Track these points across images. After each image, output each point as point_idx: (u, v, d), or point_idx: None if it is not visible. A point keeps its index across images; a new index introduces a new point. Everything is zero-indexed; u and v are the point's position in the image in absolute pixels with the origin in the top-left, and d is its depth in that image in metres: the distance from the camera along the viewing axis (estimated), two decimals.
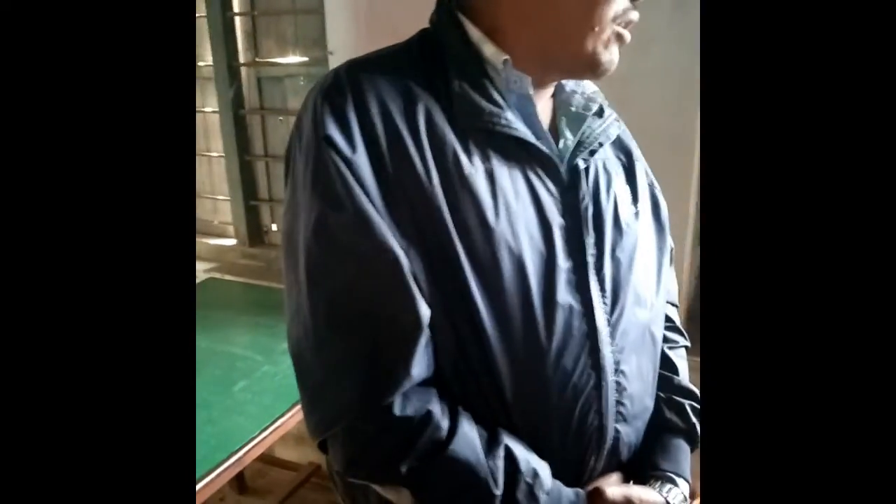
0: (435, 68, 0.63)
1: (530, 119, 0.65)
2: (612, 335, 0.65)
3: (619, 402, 0.65)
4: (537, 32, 0.63)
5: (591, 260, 0.64)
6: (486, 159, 0.61)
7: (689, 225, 1.49)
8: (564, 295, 0.62)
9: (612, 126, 0.71)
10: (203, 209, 2.41)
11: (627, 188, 0.72)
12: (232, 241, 2.33)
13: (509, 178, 0.61)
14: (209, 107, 2.26)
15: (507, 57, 0.63)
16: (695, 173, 1.45)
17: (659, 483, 0.69)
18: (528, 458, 0.61)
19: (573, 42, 0.62)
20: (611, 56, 0.63)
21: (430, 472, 0.58)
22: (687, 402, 0.75)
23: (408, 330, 0.57)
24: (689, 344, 0.84)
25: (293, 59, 2.11)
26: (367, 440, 0.59)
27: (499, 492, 0.58)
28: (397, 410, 0.57)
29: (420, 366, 0.58)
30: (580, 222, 0.64)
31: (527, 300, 0.60)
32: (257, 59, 2.16)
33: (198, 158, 2.34)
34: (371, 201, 0.57)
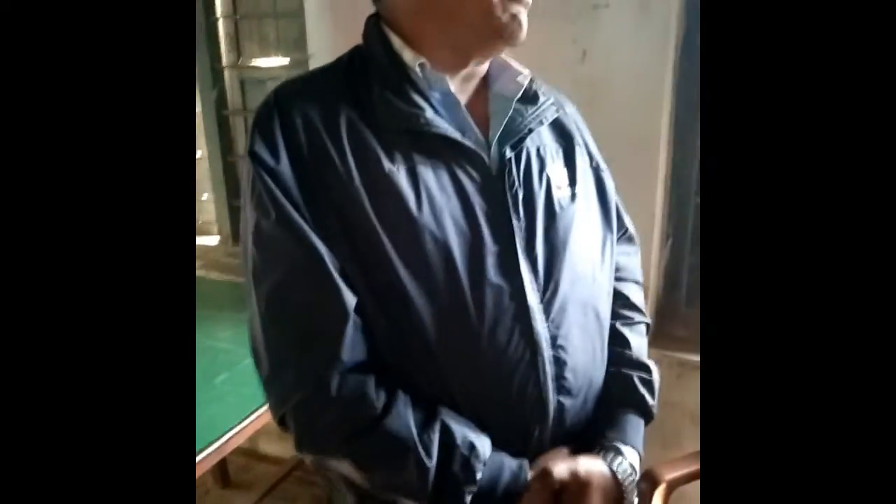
0: (361, 80, 0.70)
1: (456, 114, 0.70)
2: (547, 311, 0.70)
3: (559, 376, 0.70)
4: (436, 22, 0.68)
5: (520, 242, 0.69)
6: (408, 158, 0.67)
7: (656, 224, 1.54)
8: (494, 276, 0.67)
9: (547, 111, 0.76)
10: None
11: (565, 171, 0.77)
12: (215, 240, 2.36)
13: (433, 173, 0.67)
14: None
15: (423, 60, 0.69)
16: (661, 173, 1.51)
17: (603, 452, 0.73)
18: (465, 433, 0.66)
19: (467, 16, 0.67)
20: (508, 17, 0.66)
21: (365, 445, 0.65)
22: (635, 375, 0.79)
23: (333, 320, 0.64)
24: (648, 321, 0.88)
25: (275, 61, 2.15)
26: (309, 419, 0.66)
27: (432, 463, 0.64)
28: (333, 392, 0.64)
29: (350, 350, 0.64)
30: (507, 208, 0.69)
31: (456, 283, 0.66)
32: (240, 63, 2.20)
33: None
34: (294, 206, 0.64)
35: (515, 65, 0.76)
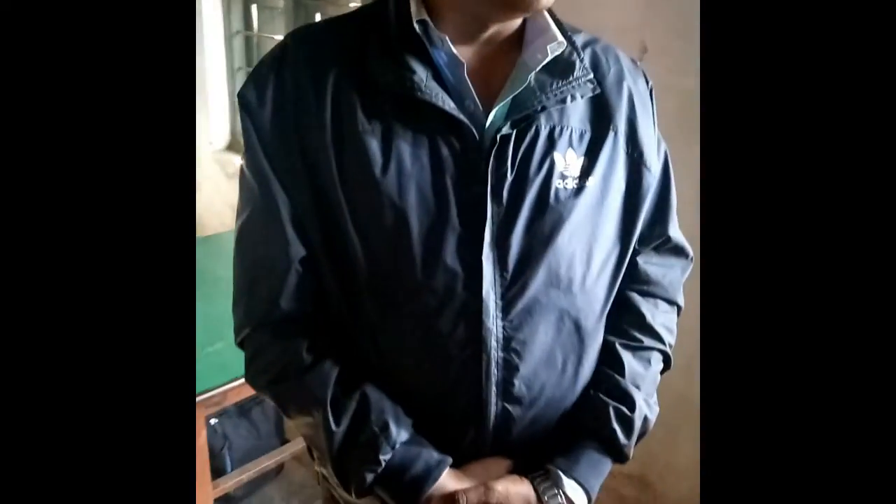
0: (368, 34, 0.66)
1: (458, 79, 0.64)
2: (506, 310, 0.63)
3: (507, 381, 0.64)
4: None
5: (492, 229, 0.63)
6: (386, 120, 0.63)
7: None
8: (449, 259, 0.62)
9: (579, 88, 0.66)
10: None
11: (582, 159, 0.67)
12: None
13: (411, 140, 0.62)
14: None
15: (422, 18, 0.63)
16: None
17: (540, 478, 0.66)
18: (383, 411, 0.63)
19: None
20: None
21: (284, 392, 0.67)
22: (612, 405, 0.69)
23: (276, 267, 0.65)
24: (664, 349, 0.75)
25: None
26: (250, 356, 0.69)
27: (337, 429, 0.63)
28: (267, 335, 0.66)
29: (289, 301, 0.65)
30: (485, 190, 0.63)
31: (407, 256, 0.62)
32: None
33: None
34: (265, 152, 0.64)
35: (555, 29, 0.66)
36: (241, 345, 0.71)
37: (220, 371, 1.28)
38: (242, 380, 1.29)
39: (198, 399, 1.23)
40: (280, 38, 2.48)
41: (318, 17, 2.38)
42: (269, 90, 0.65)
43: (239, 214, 0.69)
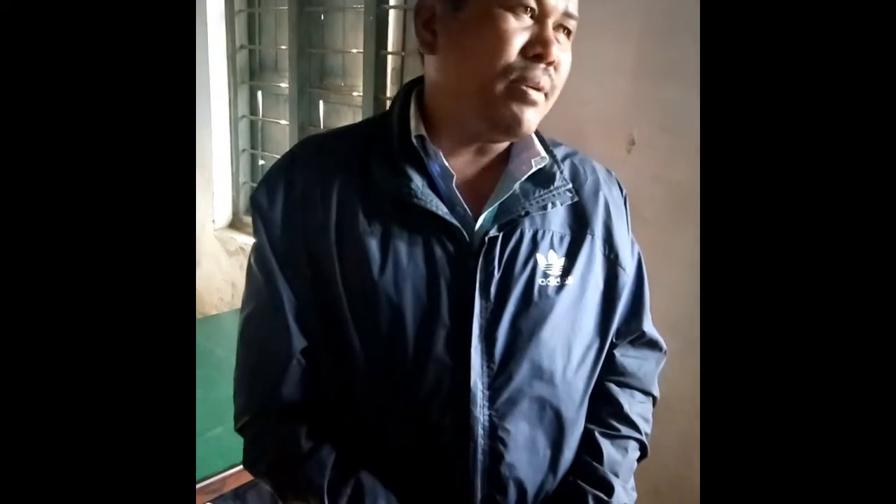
0: (373, 143, 0.72)
1: (449, 188, 0.70)
2: (493, 399, 0.68)
3: (493, 469, 0.68)
4: (449, 101, 0.70)
5: (479, 323, 0.67)
6: (385, 223, 0.68)
7: None
8: (440, 351, 0.67)
9: (559, 196, 0.73)
10: None
11: (562, 260, 0.73)
12: None
13: (407, 241, 0.68)
14: None
15: (419, 133, 0.70)
16: None
17: None
18: (377, 496, 0.67)
19: (471, 104, 0.67)
20: (509, 114, 0.66)
21: (283, 479, 0.70)
22: (591, 492, 0.72)
23: (278, 358, 0.69)
24: (640, 437, 0.80)
25: None
26: (249, 442, 0.72)
27: None
28: (268, 423, 0.69)
29: (290, 389, 0.69)
30: (473, 287, 0.68)
31: (401, 348, 0.67)
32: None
33: None
34: (274, 251, 0.70)
35: (538, 145, 0.75)
36: (240, 431, 0.74)
37: (220, 457, 1.28)
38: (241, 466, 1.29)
39: (198, 486, 1.22)
40: (284, 122, 2.59)
41: (321, 104, 2.49)
42: (279, 194, 0.71)
43: (244, 307, 0.74)
